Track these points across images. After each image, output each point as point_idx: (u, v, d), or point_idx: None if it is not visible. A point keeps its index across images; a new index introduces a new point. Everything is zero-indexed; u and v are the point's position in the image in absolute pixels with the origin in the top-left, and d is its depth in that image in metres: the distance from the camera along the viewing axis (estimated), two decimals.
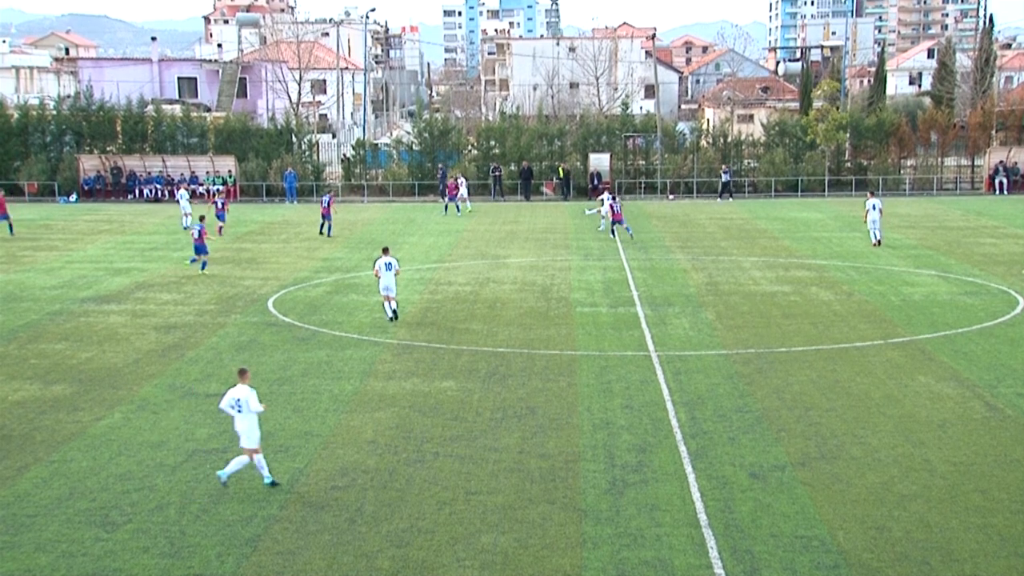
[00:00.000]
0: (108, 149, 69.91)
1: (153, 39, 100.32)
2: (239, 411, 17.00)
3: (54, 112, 71.28)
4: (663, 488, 16.81)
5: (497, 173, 68.94)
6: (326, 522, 15.61)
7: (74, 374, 23.99)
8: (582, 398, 22.02)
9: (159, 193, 67.30)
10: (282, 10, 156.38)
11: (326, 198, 50.03)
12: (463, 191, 61.03)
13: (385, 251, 29.64)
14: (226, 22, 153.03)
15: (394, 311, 29.68)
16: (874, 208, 44.30)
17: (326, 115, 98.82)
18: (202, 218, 40.26)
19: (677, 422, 20.24)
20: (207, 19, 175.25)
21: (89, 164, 68.71)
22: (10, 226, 49.31)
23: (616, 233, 47.90)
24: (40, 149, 70.15)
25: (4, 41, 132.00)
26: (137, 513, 15.90)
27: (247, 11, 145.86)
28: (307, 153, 72.00)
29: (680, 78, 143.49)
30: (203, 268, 38.01)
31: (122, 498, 16.49)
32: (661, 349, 26.19)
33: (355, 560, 14.35)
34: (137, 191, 67.72)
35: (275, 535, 15.16)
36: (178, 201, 54.89)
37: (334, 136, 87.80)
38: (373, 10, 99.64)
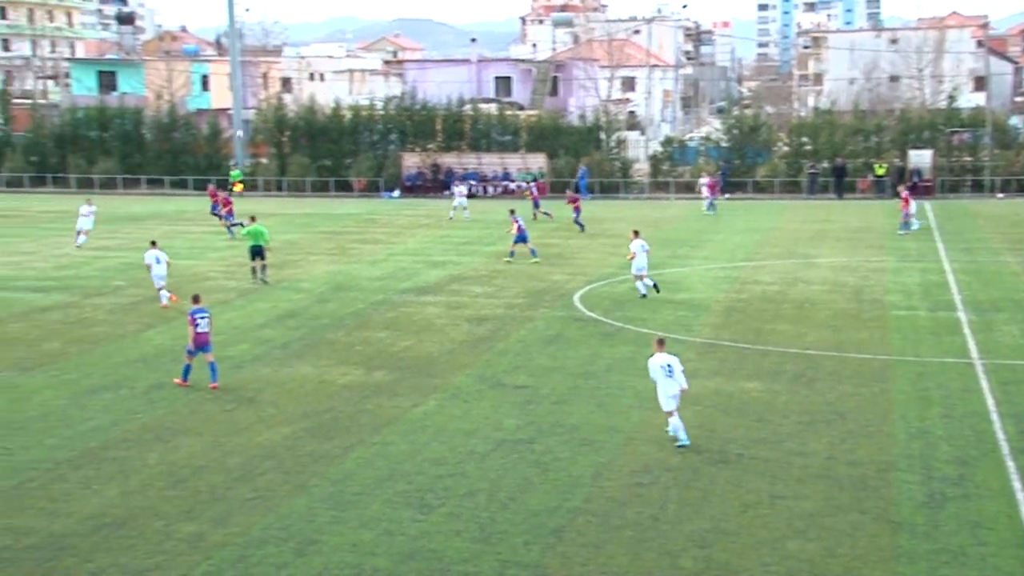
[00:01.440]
0: (428, 147, 73.33)
1: (473, 40, 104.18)
2: (669, 375, 18.31)
3: (381, 112, 75.57)
4: (987, 505, 15.78)
5: (815, 171, 67.18)
6: (629, 517, 15.69)
7: (394, 361, 25.31)
8: (896, 405, 21.04)
9: (472, 189, 69.82)
10: (595, 9, 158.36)
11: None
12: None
13: (636, 234, 32.78)
14: (541, 22, 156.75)
15: (650, 287, 32.43)
16: None
17: (634, 112, 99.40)
18: (512, 211, 41.70)
19: (1004, 435, 18.95)
20: (524, 20, 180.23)
21: (410, 161, 72.32)
22: (229, 228, 48.38)
23: (907, 228, 47.39)
24: (368, 147, 74.55)
25: (340, 46, 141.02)
26: (450, 497, 16.57)
27: (562, 11, 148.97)
28: (615, 150, 72.71)
29: (1015, 69, 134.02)
30: (534, 255, 39.92)
31: (436, 482, 17.24)
32: (986, 357, 24.61)
33: (658, 558, 14.35)
34: (453, 187, 70.48)
35: (579, 527, 15.39)
36: (453, 195, 56.92)
37: (642, 133, 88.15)
38: (685, 7, 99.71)
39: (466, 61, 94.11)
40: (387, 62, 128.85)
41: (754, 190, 68.56)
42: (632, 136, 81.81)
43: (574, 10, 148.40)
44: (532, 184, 61.04)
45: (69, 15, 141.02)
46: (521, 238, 40.16)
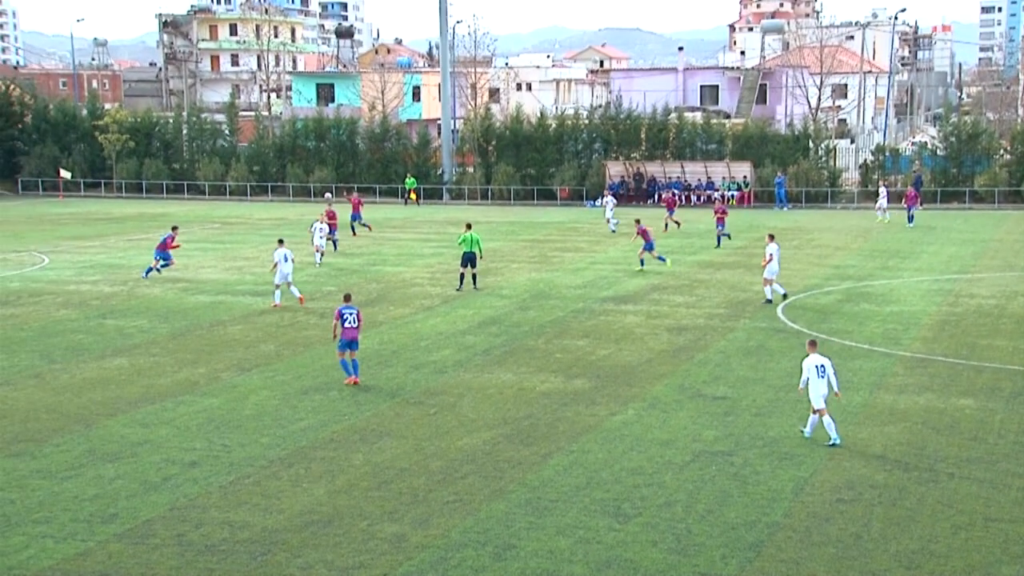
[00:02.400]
0: (632, 156, 73.27)
1: (680, 49, 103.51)
2: (821, 376, 19.14)
3: (586, 121, 75.99)
4: None
5: None
6: (831, 534, 15.29)
7: (593, 370, 25.41)
8: None
9: (677, 198, 69.28)
10: (807, 15, 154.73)
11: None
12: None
13: (771, 237, 33.41)
14: (751, 29, 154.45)
15: (779, 294, 33.24)
16: None
17: (845, 120, 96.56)
18: (637, 220, 41.97)
19: None
20: (732, 27, 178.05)
21: (614, 170, 72.42)
22: (353, 228, 52.82)
23: None
24: (572, 156, 75.09)
25: (548, 56, 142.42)
26: (647, 507, 16.53)
27: (772, 18, 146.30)
28: (823, 159, 70.88)
29: None
30: (662, 259, 40.99)
31: (633, 492, 17.22)
32: None
33: None
34: (656, 196, 70.24)
35: (779, 542, 15.10)
36: (604, 208, 56.62)
37: (852, 141, 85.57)
38: (903, 10, 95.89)
39: (672, 69, 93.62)
40: (593, 71, 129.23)
41: (972, 200, 65.58)
42: (842, 144, 79.53)
43: (785, 17, 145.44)
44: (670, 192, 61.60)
45: (293, 30, 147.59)
46: (648, 246, 40.27)
